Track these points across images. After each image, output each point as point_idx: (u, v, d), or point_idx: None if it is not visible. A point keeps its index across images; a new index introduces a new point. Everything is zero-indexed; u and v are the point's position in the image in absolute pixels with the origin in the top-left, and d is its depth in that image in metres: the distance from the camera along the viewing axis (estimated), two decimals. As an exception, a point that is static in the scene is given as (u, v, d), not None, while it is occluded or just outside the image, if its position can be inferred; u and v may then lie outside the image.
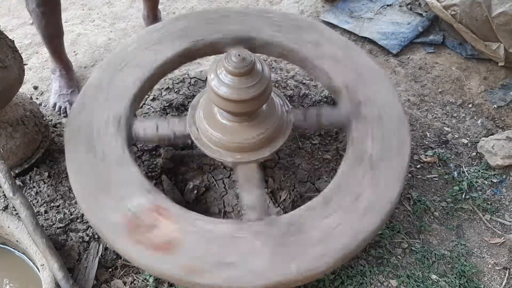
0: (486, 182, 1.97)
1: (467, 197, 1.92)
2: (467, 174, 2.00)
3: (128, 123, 1.52)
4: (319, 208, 1.34)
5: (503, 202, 1.93)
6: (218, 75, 1.35)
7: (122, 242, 1.27)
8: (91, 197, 1.36)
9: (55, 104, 2.19)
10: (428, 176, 1.99)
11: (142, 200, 1.34)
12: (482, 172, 2.00)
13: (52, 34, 2.10)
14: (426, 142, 2.11)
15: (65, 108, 2.16)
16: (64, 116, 2.16)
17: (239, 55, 1.33)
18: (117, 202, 1.34)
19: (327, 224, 1.30)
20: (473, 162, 2.05)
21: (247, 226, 1.31)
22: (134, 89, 1.59)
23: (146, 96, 2.11)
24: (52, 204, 1.80)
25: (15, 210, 1.69)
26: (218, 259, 1.24)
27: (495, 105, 2.28)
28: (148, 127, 1.54)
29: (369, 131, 1.49)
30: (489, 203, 1.91)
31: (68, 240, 1.72)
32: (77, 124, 1.52)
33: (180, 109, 2.11)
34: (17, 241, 1.65)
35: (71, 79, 2.26)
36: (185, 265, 1.23)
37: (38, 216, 1.75)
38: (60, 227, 1.74)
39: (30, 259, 1.70)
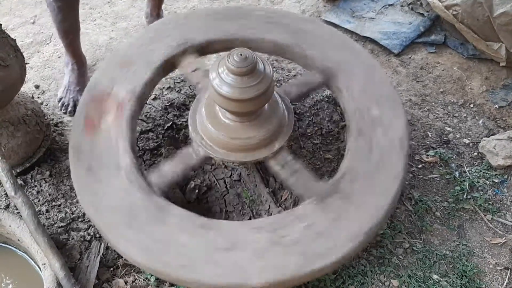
0: (488, 182, 1.97)
1: (469, 197, 1.92)
2: (468, 174, 1.99)
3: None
4: None
5: (505, 202, 1.92)
6: (220, 74, 1.35)
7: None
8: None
9: (60, 99, 2.18)
10: (430, 176, 1.99)
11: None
12: (483, 172, 2.00)
13: (67, 29, 2.09)
14: (428, 142, 2.11)
15: (68, 105, 2.15)
16: (64, 113, 2.16)
17: (241, 54, 1.33)
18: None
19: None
20: (474, 162, 2.05)
21: None
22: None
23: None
24: (53, 203, 1.80)
25: (17, 209, 1.70)
26: None
27: (496, 105, 2.27)
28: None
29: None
30: (491, 203, 1.91)
31: (70, 239, 1.72)
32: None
33: (181, 108, 2.11)
34: (18, 240, 1.65)
35: (82, 75, 2.25)
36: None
37: (40, 215, 1.75)
38: (62, 226, 1.74)
39: (31, 258, 1.70)
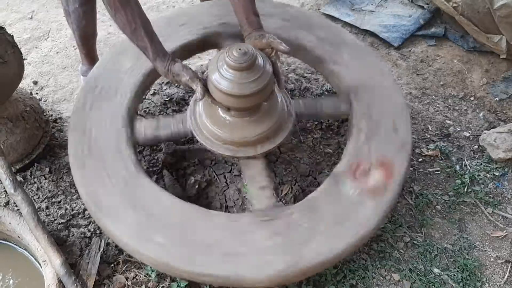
0: (488, 176, 1.97)
1: (469, 190, 1.91)
2: (469, 168, 1.99)
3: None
4: None
5: (505, 195, 1.92)
6: (219, 69, 1.34)
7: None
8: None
9: None
10: (430, 169, 1.98)
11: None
12: (484, 166, 2.00)
13: (91, 33, 2.07)
14: (428, 136, 2.10)
15: None
16: None
17: (240, 49, 1.32)
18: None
19: None
20: (475, 155, 2.05)
21: None
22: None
23: (147, 91, 2.10)
24: (53, 200, 1.80)
25: (17, 206, 1.69)
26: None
27: (497, 98, 2.26)
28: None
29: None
30: (491, 196, 1.91)
31: (70, 235, 1.71)
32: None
33: (181, 103, 2.10)
34: (18, 237, 1.64)
35: None
36: None
37: (40, 212, 1.74)
38: (62, 223, 1.74)
39: (32, 255, 1.69)
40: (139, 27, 1.33)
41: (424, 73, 2.39)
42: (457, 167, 1.99)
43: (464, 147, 2.07)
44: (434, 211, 1.86)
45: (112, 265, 1.66)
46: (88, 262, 1.64)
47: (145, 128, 1.56)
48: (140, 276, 1.64)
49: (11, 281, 1.69)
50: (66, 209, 1.77)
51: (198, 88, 1.36)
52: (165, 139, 1.63)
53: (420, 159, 2.01)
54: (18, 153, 1.83)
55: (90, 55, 2.16)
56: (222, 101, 1.39)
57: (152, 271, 1.63)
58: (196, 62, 2.34)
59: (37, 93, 2.25)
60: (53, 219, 1.75)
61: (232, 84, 1.33)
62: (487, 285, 1.68)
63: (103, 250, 1.68)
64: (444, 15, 2.60)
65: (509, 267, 1.72)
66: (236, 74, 1.32)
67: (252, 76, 1.33)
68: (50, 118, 2.08)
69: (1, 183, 1.74)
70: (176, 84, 2.16)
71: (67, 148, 1.51)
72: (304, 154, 1.92)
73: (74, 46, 2.49)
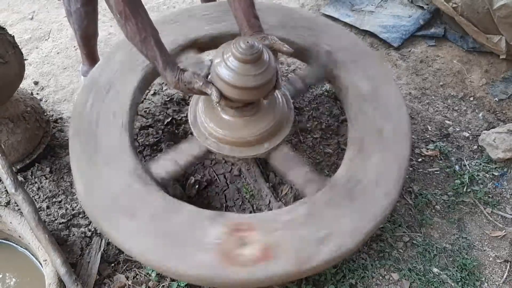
0: (487, 175, 1.97)
1: (469, 190, 1.92)
2: (468, 168, 2.00)
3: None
4: None
5: (504, 195, 1.93)
6: (225, 60, 1.33)
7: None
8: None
9: None
10: (430, 169, 1.99)
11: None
12: (483, 166, 2.00)
13: (92, 34, 2.08)
14: (428, 136, 2.11)
15: None
16: None
17: (248, 42, 1.32)
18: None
19: None
20: (474, 156, 2.05)
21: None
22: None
23: (147, 91, 2.11)
24: (54, 200, 1.81)
25: (17, 205, 1.70)
26: None
27: (496, 98, 2.27)
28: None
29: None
30: (490, 196, 1.91)
31: (71, 235, 1.72)
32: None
33: (181, 103, 2.11)
34: (19, 236, 1.65)
35: None
36: None
37: (40, 212, 1.75)
38: (62, 223, 1.74)
39: (32, 255, 1.70)
40: (149, 36, 1.33)
41: (424, 73, 2.39)
42: (457, 167, 1.99)
43: (464, 147, 2.08)
44: (433, 211, 1.87)
45: (113, 264, 1.67)
46: (89, 262, 1.64)
47: None
48: (141, 275, 1.65)
49: (12, 280, 1.69)
50: (66, 209, 1.78)
51: (213, 92, 1.34)
52: None
53: (419, 159, 2.02)
54: (19, 153, 1.83)
55: (91, 56, 2.17)
56: (225, 92, 1.38)
57: (153, 271, 1.64)
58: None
59: (37, 94, 2.26)
60: (53, 218, 1.75)
61: (236, 76, 1.32)
62: (486, 284, 1.68)
63: (103, 249, 1.68)
64: (443, 16, 2.60)
65: (508, 267, 1.73)
66: (241, 66, 1.32)
67: (257, 69, 1.32)
68: (50, 118, 2.08)
69: (2, 182, 1.75)
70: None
71: (67, 148, 1.52)
72: (304, 154, 1.93)
73: (74, 46, 2.50)
